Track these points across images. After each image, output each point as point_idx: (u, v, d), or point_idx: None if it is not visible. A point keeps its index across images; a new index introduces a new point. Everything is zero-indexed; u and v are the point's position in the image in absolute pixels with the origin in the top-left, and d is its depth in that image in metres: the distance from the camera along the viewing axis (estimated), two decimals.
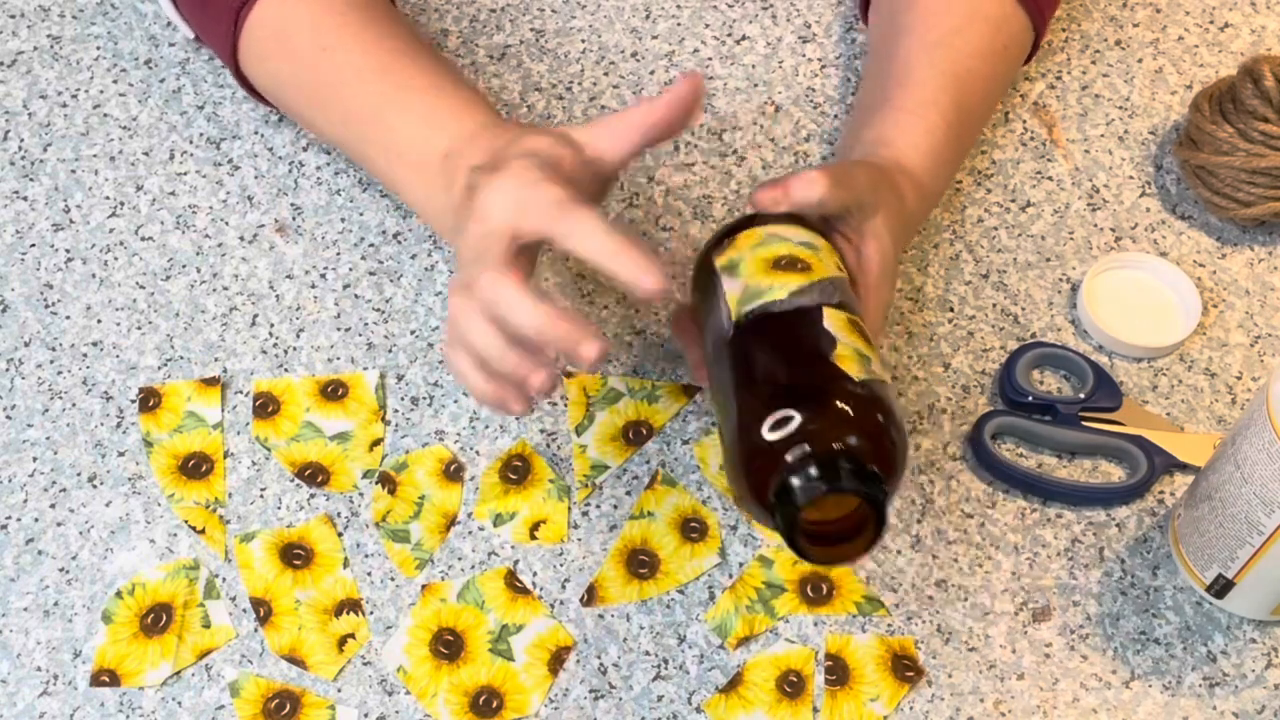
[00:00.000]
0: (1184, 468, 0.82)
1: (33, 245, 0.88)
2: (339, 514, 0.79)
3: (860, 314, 0.70)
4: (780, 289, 0.68)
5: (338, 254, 0.88)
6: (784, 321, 0.68)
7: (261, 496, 0.80)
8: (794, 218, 0.73)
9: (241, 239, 0.88)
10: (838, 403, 0.64)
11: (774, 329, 0.68)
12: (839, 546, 0.65)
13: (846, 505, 0.65)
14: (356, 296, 0.87)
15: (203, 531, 0.78)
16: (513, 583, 0.77)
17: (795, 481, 0.62)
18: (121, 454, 0.81)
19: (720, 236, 0.73)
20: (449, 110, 0.77)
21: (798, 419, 0.63)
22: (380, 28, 0.82)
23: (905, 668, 0.75)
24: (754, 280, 0.69)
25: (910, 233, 0.83)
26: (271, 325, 0.85)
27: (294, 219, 0.89)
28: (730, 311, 0.69)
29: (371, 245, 0.88)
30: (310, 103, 0.83)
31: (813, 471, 0.62)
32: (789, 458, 0.63)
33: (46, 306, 0.86)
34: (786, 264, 0.69)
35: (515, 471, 0.81)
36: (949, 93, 0.83)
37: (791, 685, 0.75)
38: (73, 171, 0.91)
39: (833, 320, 0.67)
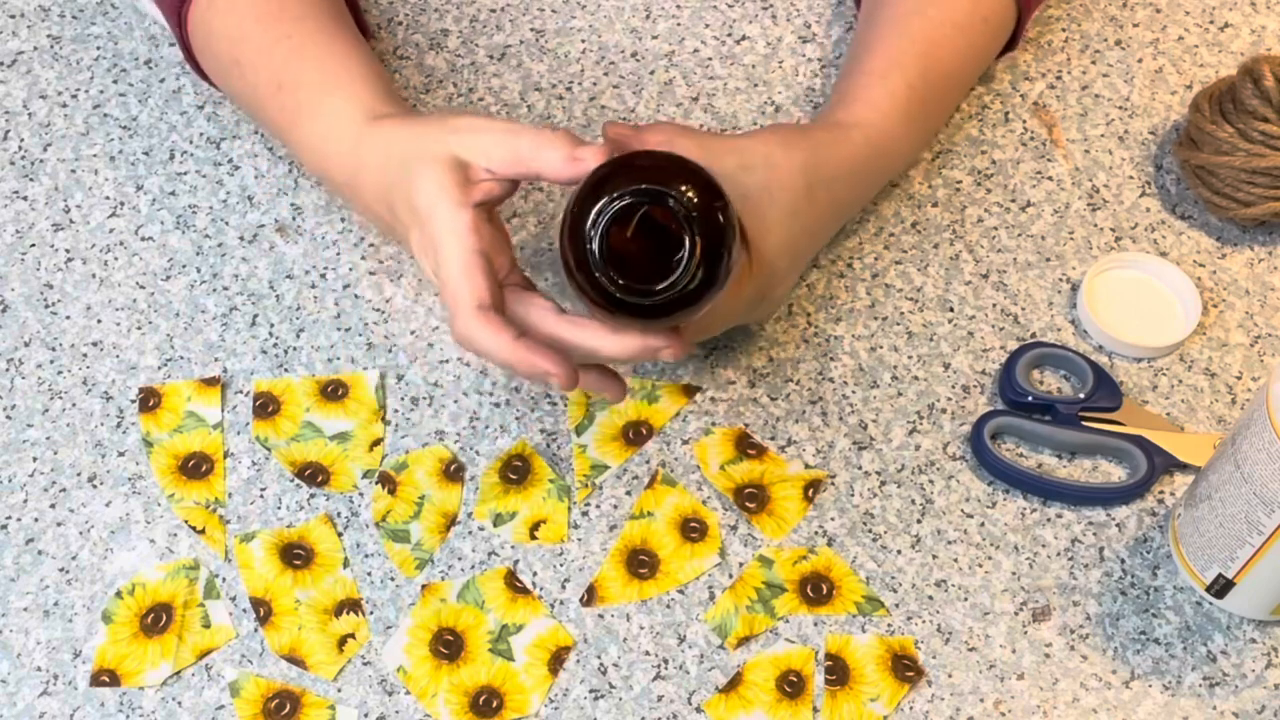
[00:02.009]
0: (1184, 468, 0.82)
1: (33, 245, 0.88)
2: (339, 514, 0.79)
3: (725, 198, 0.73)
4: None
5: (338, 254, 0.88)
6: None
7: (261, 496, 0.80)
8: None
9: (241, 239, 0.88)
10: (635, 161, 0.69)
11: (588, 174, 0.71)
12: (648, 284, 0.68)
13: (653, 251, 0.68)
14: (356, 296, 0.87)
15: (203, 531, 0.78)
16: (513, 583, 0.77)
17: (601, 204, 0.67)
18: (121, 454, 0.81)
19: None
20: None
21: (596, 198, 0.67)
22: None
23: (905, 668, 0.75)
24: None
25: (859, 190, 0.85)
26: (271, 325, 0.85)
27: (294, 219, 0.89)
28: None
29: (371, 245, 0.88)
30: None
31: (619, 193, 0.67)
32: (594, 205, 0.67)
33: (46, 306, 0.86)
34: None
35: (515, 471, 0.81)
36: (915, 57, 0.85)
37: (791, 685, 0.75)
38: (73, 171, 0.91)
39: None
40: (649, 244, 0.68)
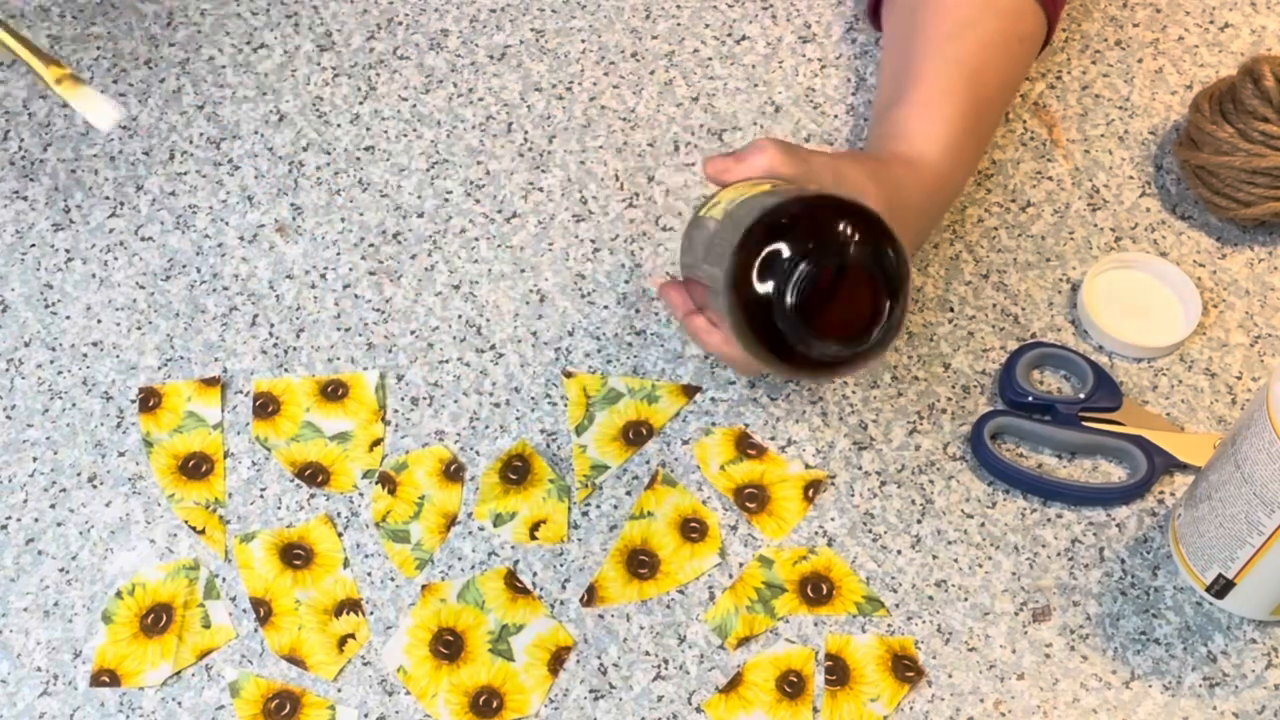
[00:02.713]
0: (1184, 468, 0.82)
1: (33, 245, 0.88)
2: (339, 514, 0.79)
3: None
4: (758, 192, 0.69)
5: (338, 254, 0.88)
6: (764, 199, 0.68)
7: (261, 496, 0.80)
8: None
9: (241, 239, 0.88)
10: (826, 211, 0.64)
11: (759, 204, 0.68)
12: (859, 338, 0.64)
13: (851, 310, 0.65)
14: (356, 296, 0.87)
15: (203, 531, 0.78)
16: (513, 583, 0.77)
17: (798, 269, 0.63)
18: (121, 454, 0.81)
19: (706, 200, 0.75)
20: None
21: (786, 244, 0.63)
22: None
23: (905, 668, 0.75)
24: (735, 193, 0.71)
25: (925, 225, 0.84)
26: (271, 325, 0.85)
27: (294, 219, 0.89)
28: (716, 215, 0.70)
29: (371, 245, 0.88)
30: None
31: (811, 250, 0.63)
32: (787, 253, 0.63)
33: (46, 306, 0.86)
34: (768, 191, 0.71)
35: (515, 471, 0.81)
36: (964, 84, 0.84)
37: (791, 685, 0.75)
38: (73, 171, 0.91)
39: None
40: (833, 298, 0.65)
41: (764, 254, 0.64)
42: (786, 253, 0.63)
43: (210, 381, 0.83)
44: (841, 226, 0.64)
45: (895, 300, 0.64)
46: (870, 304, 0.64)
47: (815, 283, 0.63)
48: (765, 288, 0.64)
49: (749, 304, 0.65)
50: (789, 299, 0.63)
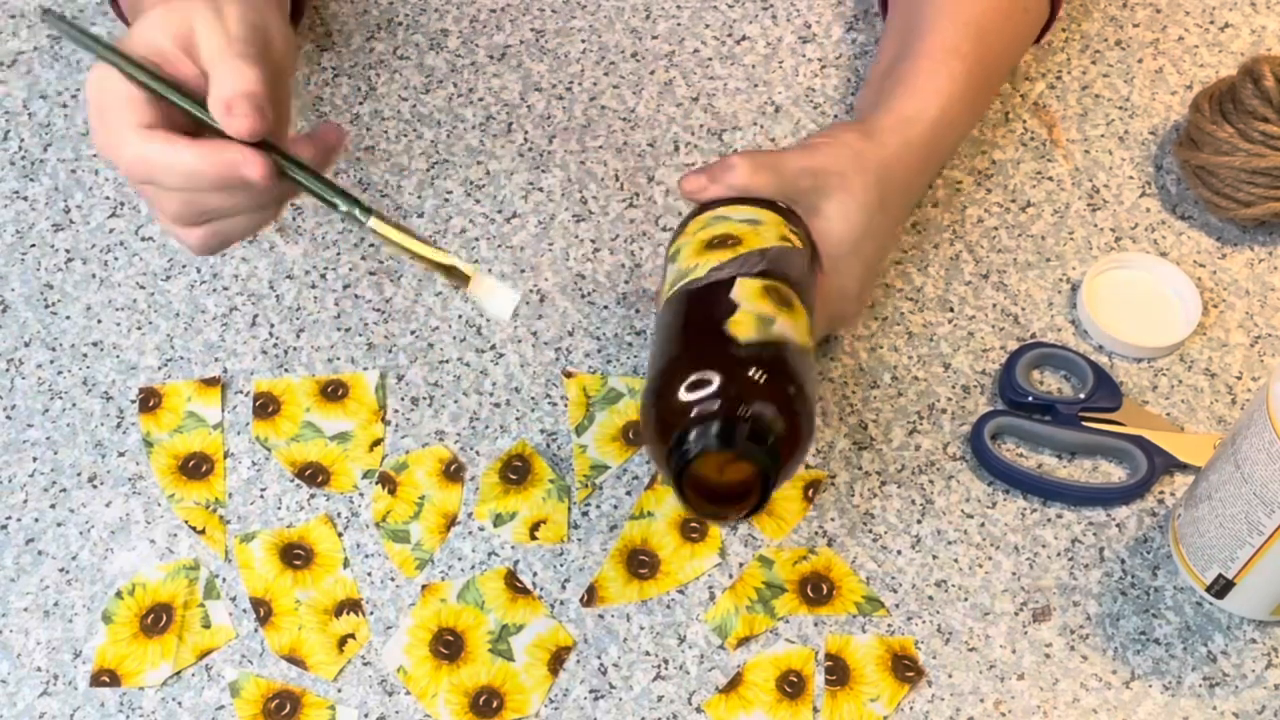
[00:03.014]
0: (1184, 468, 0.82)
1: (33, 245, 0.88)
2: (339, 514, 0.79)
3: (798, 278, 0.72)
4: (701, 268, 0.71)
5: (338, 254, 0.88)
6: (696, 296, 0.70)
7: (261, 496, 0.80)
8: (747, 200, 0.75)
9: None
10: (719, 371, 0.66)
11: (687, 303, 0.70)
12: (724, 506, 0.67)
13: (741, 468, 0.66)
14: (356, 296, 0.87)
15: (203, 531, 0.78)
16: (513, 583, 0.77)
17: (686, 440, 0.65)
18: (121, 454, 0.81)
19: (681, 224, 0.76)
20: None
21: (701, 384, 0.65)
22: None
23: (905, 668, 0.75)
24: (685, 263, 0.72)
25: (912, 196, 0.84)
26: (271, 325, 0.85)
27: (294, 219, 0.89)
28: (664, 295, 0.72)
29: (371, 245, 0.88)
30: None
31: (691, 434, 0.65)
32: (671, 424, 0.65)
33: (46, 306, 0.86)
34: (718, 243, 0.72)
35: (515, 471, 0.81)
36: (971, 42, 0.84)
37: (791, 685, 0.75)
38: (73, 171, 0.91)
39: (742, 289, 0.69)
40: (712, 473, 0.67)
41: (659, 412, 0.66)
42: (669, 424, 0.65)
43: (210, 381, 0.83)
44: (730, 410, 0.65)
45: (770, 481, 0.65)
46: (745, 482, 0.66)
47: (692, 461, 0.65)
48: (657, 436, 0.66)
49: (650, 441, 0.68)
50: (672, 467, 0.65)
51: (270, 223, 0.69)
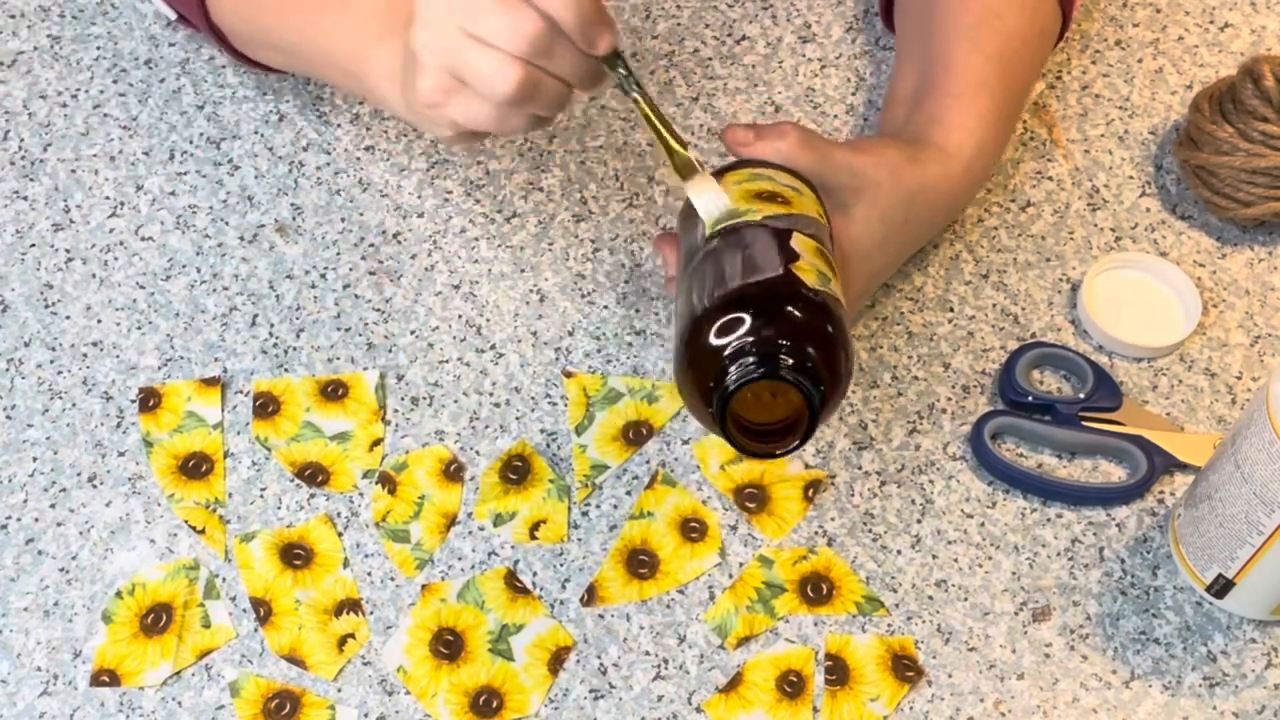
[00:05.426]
0: (1184, 468, 0.82)
1: (33, 245, 0.88)
2: (339, 514, 0.79)
3: (832, 254, 0.72)
4: (756, 213, 0.71)
5: (338, 254, 0.88)
6: (753, 234, 0.70)
7: (261, 496, 0.80)
8: (787, 169, 0.75)
9: (241, 239, 0.88)
10: (786, 305, 0.66)
11: (743, 241, 0.70)
12: (770, 441, 0.68)
13: (785, 406, 0.67)
14: (356, 296, 0.87)
15: (203, 531, 0.78)
16: (513, 583, 0.77)
17: (732, 368, 0.65)
18: (121, 454, 0.81)
19: (716, 171, 0.76)
20: None
21: (746, 318, 0.66)
22: None
23: (905, 668, 0.75)
24: (734, 205, 0.72)
25: (946, 217, 0.85)
26: (271, 325, 0.85)
27: (294, 219, 0.89)
28: (705, 227, 0.71)
29: (371, 245, 0.88)
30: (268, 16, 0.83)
31: (749, 359, 0.65)
32: (730, 347, 0.65)
33: (46, 306, 0.86)
34: (767, 196, 0.72)
35: (515, 471, 0.81)
36: (996, 76, 0.84)
37: (791, 685, 0.75)
38: (73, 171, 0.91)
39: (800, 242, 0.69)
40: (756, 403, 0.68)
41: (703, 340, 0.66)
42: (723, 349, 0.66)
43: (210, 381, 0.83)
44: (781, 338, 0.65)
45: (816, 414, 0.66)
46: (792, 413, 0.67)
47: (736, 391, 0.65)
48: (702, 372, 0.67)
49: (690, 380, 0.68)
50: (715, 396, 0.66)
51: (563, 109, 0.71)
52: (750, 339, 0.65)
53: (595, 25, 0.68)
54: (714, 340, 0.66)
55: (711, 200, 0.71)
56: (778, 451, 0.67)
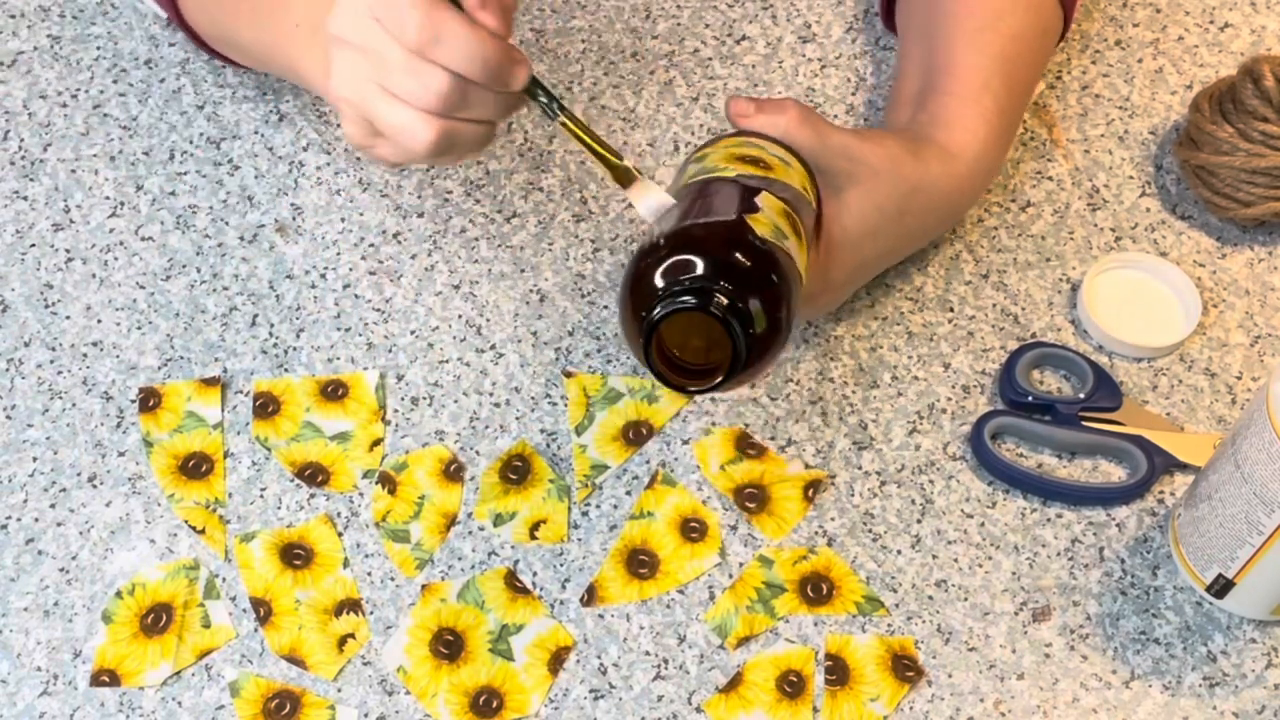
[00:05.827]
0: (1184, 468, 0.82)
1: (33, 245, 0.88)
2: (339, 514, 0.79)
3: (808, 227, 0.72)
4: (731, 170, 0.71)
5: (338, 254, 0.88)
6: (720, 186, 0.71)
7: (261, 496, 0.80)
8: (783, 144, 0.75)
9: (241, 239, 0.88)
10: (732, 248, 0.67)
11: (708, 191, 0.71)
12: (694, 378, 0.68)
13: (720, 353, 0.67)
14: (356, 296, 0.87)
15: (203, 531, 0.78)
16: (513, 583, 0.77)
17: (664, 298, 0.65)
18: (121, 454, 0.81)
19: (712, 139, 0.76)
20: None
21: (690, 256, 0.66)
22: None
23: (905, 668, 0.75)
24: (712, 163, 0.73)
25: (949, 218, 0.84)
26: (271, 325, 0.85)
27: (294, 219, 0.89)
28: (683, 181, 0.72)
29: (371, 245, 0.88)
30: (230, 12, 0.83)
31: (682, 292, 0.65)
32: (667, 279, 0.66)
33: (46, 306, 0.86)
34: (750, 160, 0.72)
35: (515, 471, 0.81)
36: (999, 77, 0.84)
37: (791, 685, 0.75)
38: (73, 171, 0.91)
39: (766, 200, 0.70)
40: (687, 335, 0.68)
41: (644, 270, 0.67)
42: (661, 279, 0.66)
43: (210, 381, 0.83)
44: (719, 278, 0.66)
45: (742, 356, 0.66)
46: (718, 354, 0.67)
47: (662, 319, 0.66)
48: (638, 299, 0.67)
49: (628, 307, 0.68)
50: (644, 323, 0.66)
51: (487, 145, 0.72)
52: (688, 275, 0.66)
53: (506, 66, 0.68)
54: (655, 272, 0.66)
55: (655, 201, 0.72)
56: (691, 388, 0.68)
